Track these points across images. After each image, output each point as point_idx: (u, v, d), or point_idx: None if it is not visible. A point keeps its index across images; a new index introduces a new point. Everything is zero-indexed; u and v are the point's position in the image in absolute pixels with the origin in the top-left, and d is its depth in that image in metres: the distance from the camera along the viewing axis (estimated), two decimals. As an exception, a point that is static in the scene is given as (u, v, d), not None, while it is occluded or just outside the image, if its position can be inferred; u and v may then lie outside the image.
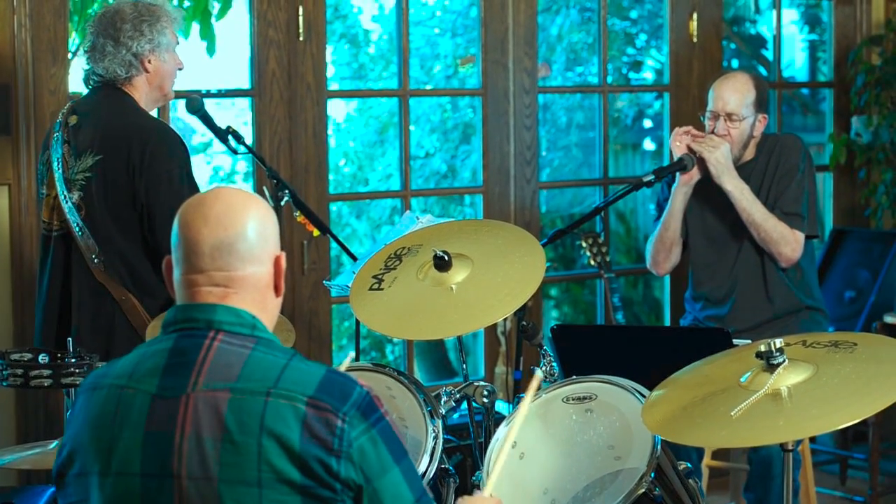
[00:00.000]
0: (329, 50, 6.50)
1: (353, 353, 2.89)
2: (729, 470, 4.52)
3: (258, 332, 1.94)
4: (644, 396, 2.58)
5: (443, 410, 2.79)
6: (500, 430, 2.68)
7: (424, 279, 2.86)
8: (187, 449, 1.84)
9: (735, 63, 7.65)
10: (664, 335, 3.70)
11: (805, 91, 7.93)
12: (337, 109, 7.48)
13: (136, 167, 3.28)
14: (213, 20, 4.41)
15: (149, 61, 3.39)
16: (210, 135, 3.66)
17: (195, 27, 4.35)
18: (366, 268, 2.99)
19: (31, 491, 3.05)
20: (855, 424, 2.21)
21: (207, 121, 3.55)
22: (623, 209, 7.64)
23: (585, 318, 7.63)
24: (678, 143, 4.04)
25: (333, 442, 1.84)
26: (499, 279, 2.80)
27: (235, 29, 4.55)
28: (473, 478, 2.69)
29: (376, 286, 2.90)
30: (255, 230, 1.95)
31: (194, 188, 3.34)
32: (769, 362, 2.30)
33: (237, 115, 6.66)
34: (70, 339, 2.95)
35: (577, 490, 2.55)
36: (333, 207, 6.57)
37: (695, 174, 4.02)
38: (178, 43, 3.48)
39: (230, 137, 3.55)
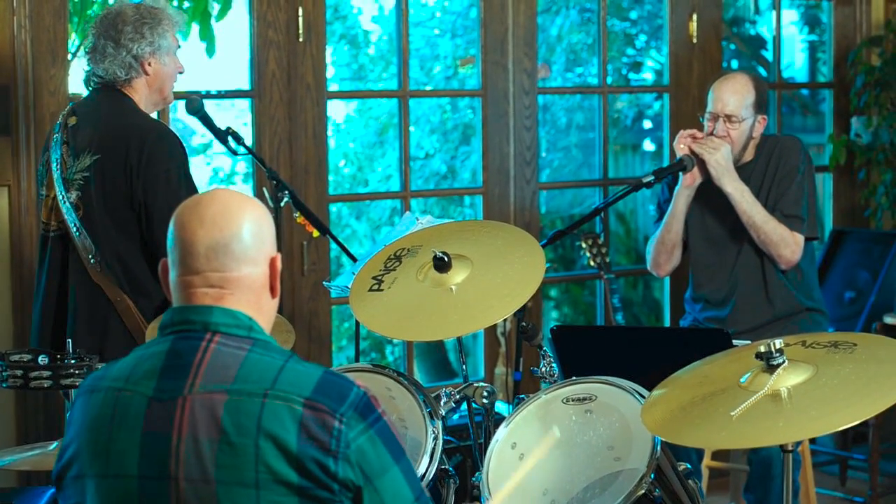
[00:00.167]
0: (329, 51, 6.50)
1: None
2: (729, 471, 4.52)
3: (254, 334, 1.94)
4: (644, 397, 2.57)
5: (443, 411, 2.79)
6: (500, 431, 2.68)
7: (424, 280, 2.86)
8: (184, 451, 1.84)
9: (735, 64, 7.65)
10: (664, 336, 3.70)
11: (805, 92, 7.92)
12: (337, 110, 7.48)
13: (134, 167, 3.27)
14: (212, 21, 4.42)
15: (149, 64, 3.39)
16: (210, 136, 3.65)
17: (195, 28, 4.36)
18: (365, 269, 2.98)
19: (30, 492, 3.04)
20: (855, 425, 2.21)
21: (207, 122, 3.55)
22: (623, 210, 7.64)
23: (585, 318, 7.62)
24: (682, 145, 4.03)
25: (330, 443, 1.84)
26: (498, 280, 2.80)
27: (235, 30, 4.55)
28: (473, 478, 2.69)
29: (376, 287, 2.90)
30: (250, 231, 1.95)
31: (192, 189, 3.34)
32: (769, 363, 2.29)
33: (237, 116, 6.66)
34: (69, 340, 2.95)
35: (576, 491, 2.54)
36: (333, 208, 6.57)
37: (697, 177, 4.02)
38: (179, 46, 3.48)
39: (230, 138, 3.55)
